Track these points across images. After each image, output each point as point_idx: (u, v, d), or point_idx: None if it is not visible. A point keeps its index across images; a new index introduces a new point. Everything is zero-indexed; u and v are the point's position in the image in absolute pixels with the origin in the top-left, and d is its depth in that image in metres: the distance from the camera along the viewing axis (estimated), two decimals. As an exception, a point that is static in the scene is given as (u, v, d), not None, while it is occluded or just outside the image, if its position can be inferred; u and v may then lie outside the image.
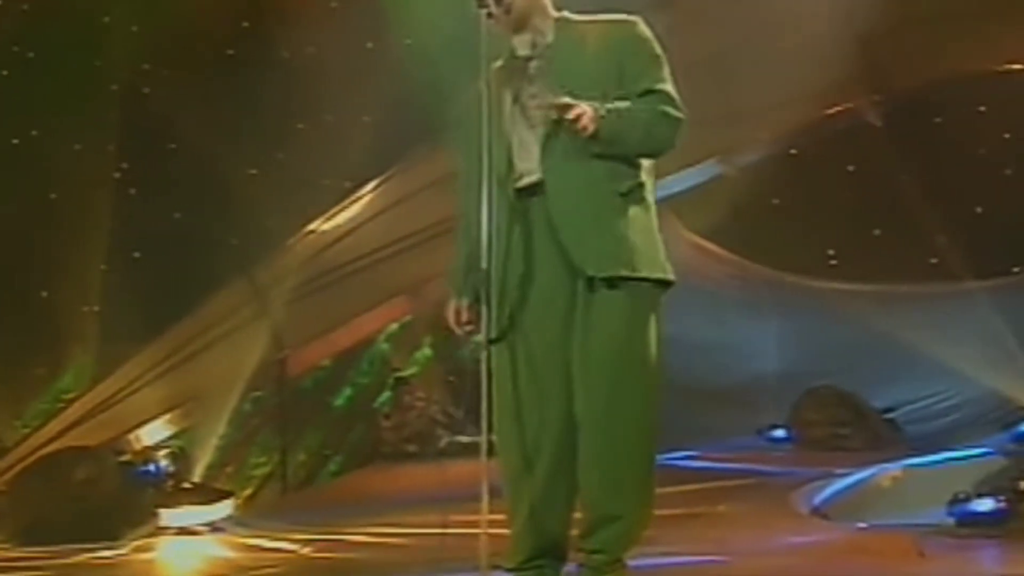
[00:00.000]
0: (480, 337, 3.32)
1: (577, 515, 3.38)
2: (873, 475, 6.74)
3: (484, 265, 3.24)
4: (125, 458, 7.22)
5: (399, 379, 8.66)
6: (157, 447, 7.49)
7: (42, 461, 7.07)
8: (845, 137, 8.85)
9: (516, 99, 3.36)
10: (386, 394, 8.68)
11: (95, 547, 5.84)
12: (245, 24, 8.51)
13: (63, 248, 7.98)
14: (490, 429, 3.27)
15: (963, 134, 8.55)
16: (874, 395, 8.17)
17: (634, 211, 3.32)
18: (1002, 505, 5.33)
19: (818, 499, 6.23)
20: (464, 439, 8.16)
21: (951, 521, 5.35)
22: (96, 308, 8.02)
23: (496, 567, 3.34)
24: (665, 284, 3.36)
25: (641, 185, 3.36)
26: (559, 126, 3.25)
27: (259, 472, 8.33)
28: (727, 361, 8.33)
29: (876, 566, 4.48)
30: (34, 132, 8.17)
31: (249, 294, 8.22)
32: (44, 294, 8.03)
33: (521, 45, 3.42)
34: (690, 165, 8.08)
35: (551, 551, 3.37)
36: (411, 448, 8.32)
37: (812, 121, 8.74)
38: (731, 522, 5.57)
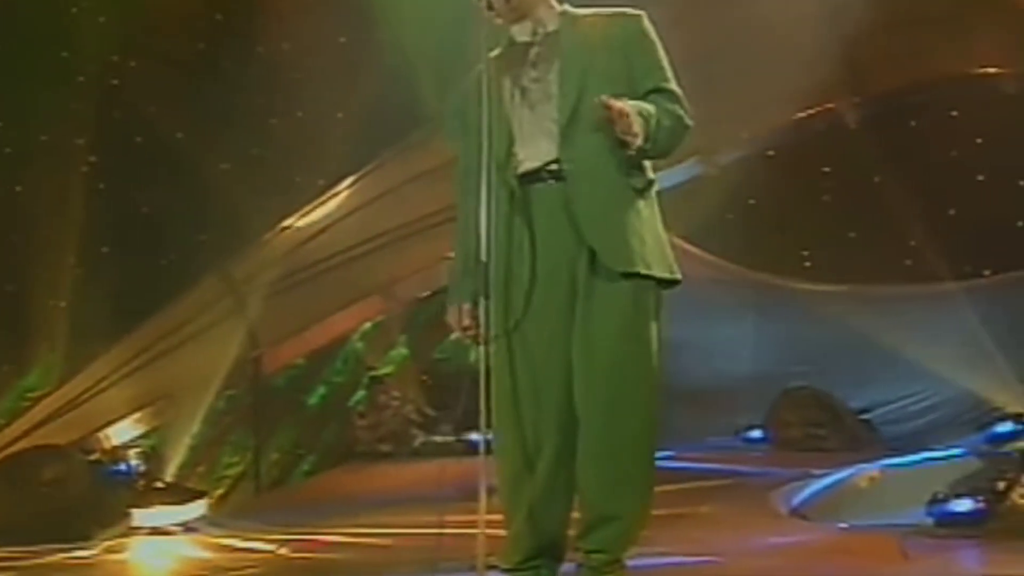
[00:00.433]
0: (496, 332, 3.23)
1: (575, 515, 3.33)
2: (851, 475, 6.74)
3: (484, 258, 3.19)
4: (94, 457, 7.12)
5: (374, 378, 8.60)
6: (127, 446, 7.39)
7: (8, 460, 6.94)
8: (821, 139, 8.87)
9: (516, 84, 3.31)
10: (360, 393, 8.62)
11: (65, 548, 5.73)
12: (218, 17, 8.40)
13: (30, 242, 7.83)
14: (488, 426, 3.21)
15: (937, 137, 8.61)
16: (851, 396, 8.18)
17: (647, 208, 3.32)
18: (981, 505, 5.31)
19: (797, 500, 6.21)
20: (438, 439, 8.13)
21: (930, 521, 5.33)
22: (64, 304, 7.85)
23: (492, 567, 3.29)
24: (670, 283, 3.34)
25: (652, 182, 3.36)
26: (577, 116, 3.21)
27: (232, 471, 8.23)
28: (703, 361, 8.30)
29: (861, 567, 4.46)
30: (0, 123, 8.02)
31: (222, 290, 8.11)
32: (10, 288, 7.88)
33: (521, 32, 3.39)
34: (670, 166, 8.05)
35: (549, 551, 3.33)
36: (385, 448, 8.29)
37: (788, 123, 8.77)
38: (714, 523, 5.55)
